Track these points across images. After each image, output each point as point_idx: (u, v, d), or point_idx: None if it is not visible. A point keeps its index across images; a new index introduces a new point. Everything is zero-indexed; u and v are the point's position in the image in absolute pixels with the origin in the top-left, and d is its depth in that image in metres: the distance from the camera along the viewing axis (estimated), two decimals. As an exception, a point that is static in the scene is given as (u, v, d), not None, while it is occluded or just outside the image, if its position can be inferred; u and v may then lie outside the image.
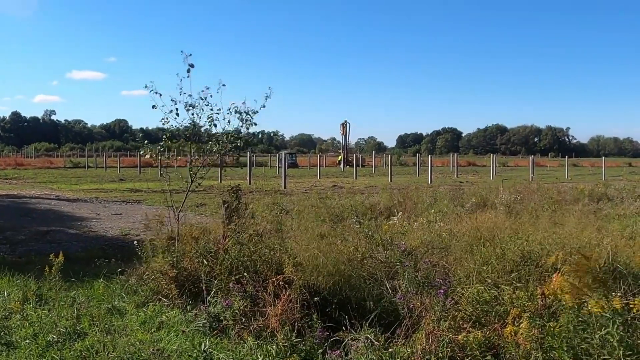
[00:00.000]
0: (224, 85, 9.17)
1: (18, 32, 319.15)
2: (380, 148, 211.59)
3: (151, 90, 9.13)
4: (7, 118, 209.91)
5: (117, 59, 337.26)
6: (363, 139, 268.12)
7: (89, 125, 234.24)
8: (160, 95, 9.16)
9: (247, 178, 38.11)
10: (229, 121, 9.45)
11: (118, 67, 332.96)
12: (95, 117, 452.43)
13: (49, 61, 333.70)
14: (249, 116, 9.42)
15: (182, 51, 9.12)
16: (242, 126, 9.51)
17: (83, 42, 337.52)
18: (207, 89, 9.21)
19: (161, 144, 9.58)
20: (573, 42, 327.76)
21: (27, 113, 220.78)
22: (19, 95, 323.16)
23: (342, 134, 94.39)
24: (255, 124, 9.62)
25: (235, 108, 9.40)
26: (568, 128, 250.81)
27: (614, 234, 9.41)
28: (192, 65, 9.09)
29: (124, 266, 9.86)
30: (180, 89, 9.11)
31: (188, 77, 9.09)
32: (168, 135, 9.44)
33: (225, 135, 9.56)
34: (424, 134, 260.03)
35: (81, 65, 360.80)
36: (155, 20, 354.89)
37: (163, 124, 9.39)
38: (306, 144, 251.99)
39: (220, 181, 34.14)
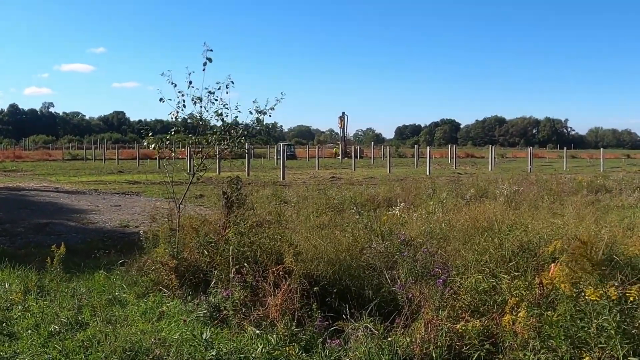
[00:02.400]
0: (232, 82, 9.31)
1: (5, 24, 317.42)
2: (378, 139, 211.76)
3: (167, 80, 9.21)
4: (5, 110, 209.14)
5: (106, 49, 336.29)
6: (361, 130, 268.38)
7: (87, 117, 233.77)
8: (175, 85, 9.23)
9: (246, 170, 38.11)
10: (236, 116, 9.58)
11: (107, 58, 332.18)
12: (86, 109, 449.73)
13: (38, 54, 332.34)
14: (263, 114, 9.66)
15: (204, 43, 9.22)
16: (255, 124, 9.73)
17: (71, 33, 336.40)
18: (218, 83, 9.32)
19: (167, 136, 9.64)
20: (571, 34, 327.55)
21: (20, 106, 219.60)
22: (12, 89, 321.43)
23: (340, 126, 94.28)
24: (272, 124, 9.86)
25: (257, 108, 9.66)
26: (566, 119, 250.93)
27: (612, 225, 9.45)
28: (209, 59, 9.19)
29: (123, 257, 9.90)
30: (190, 82, 9.19)
31: (204, 70, 9.19)
32: (176, 129, 9.52)
33: (234, 129, 9.69)
34: (423, 125, 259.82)
35: (70, 57, 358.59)
36: (145, 10, 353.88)
37: (174, 118, 9.47)
38: (304, 135, 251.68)
39: (219, 173, 34.12)
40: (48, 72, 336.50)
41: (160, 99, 9.30)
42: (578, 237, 5.89)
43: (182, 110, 9.43)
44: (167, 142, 9.75)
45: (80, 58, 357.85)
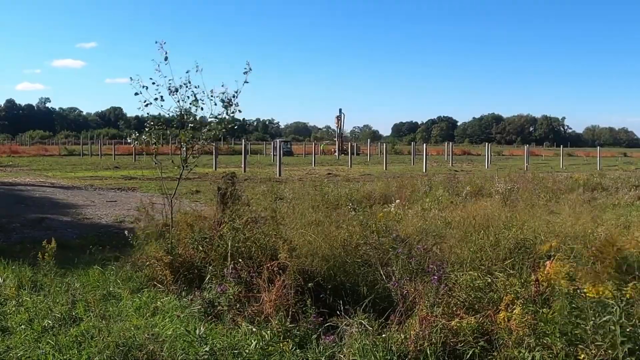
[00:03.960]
0: (198, 67, 9.29)
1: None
2: (375, 136, 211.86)
3: (137, 82, 9.22)
4: (2, 106, 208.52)
5: (98, 43, 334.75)
6: (358, 127, 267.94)
7: (84, 113, 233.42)
8: (147, 88, 9.22)
9: (242, 166, 38.10)
10: (215, 104, 9.51)
11: (99, 53, 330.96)
12: (78, 105, 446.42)
13: (27, 49, 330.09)
14: (230, 102, 9.48)
15: (156, 41, 9.25)
16: (225, 112, 9.59)
17: (60, 28, 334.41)
18: (187, 72, 9.28)
19: (146, 129, 9.60)
20: (569, 32, 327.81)
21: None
22: (6, 84, 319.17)
23: (337, 126, 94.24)
24: (240, 111, 9.69)
25: (222, 97, 9.49)
26: (563, 118, 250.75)
27: (608, 223, 9.46)
28: (166, 57, 9.20)
29: (118, 253, 9.88)
30: (159, 72, 9.18)
31: (166, 64, 9.18)
32: (152, 122, 9.48)
33: (215, 121, 9.64)
34: (420, 122, 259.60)
35: (61, 53, 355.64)
36: (136, 2, 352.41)
37: (145, 105, 9.40)
38: (301, 132, 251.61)
39: (215, 169, 34.14)
40: (39, 68, 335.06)
41: (136, 93, 9.27)
42: (608, 239, 5.87)
43: (161, 106, 9.42)
44: (147, 136, 9.69)
45: (71, 53, 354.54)
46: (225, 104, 9.46)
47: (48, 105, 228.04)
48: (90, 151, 78.01)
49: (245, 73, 9.42)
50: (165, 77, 9.23)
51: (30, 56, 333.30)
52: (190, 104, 9.46)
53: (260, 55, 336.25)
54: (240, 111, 9.62)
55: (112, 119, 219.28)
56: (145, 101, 9.34)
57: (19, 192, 24.42)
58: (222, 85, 9.54)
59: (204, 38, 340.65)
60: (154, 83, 9.23)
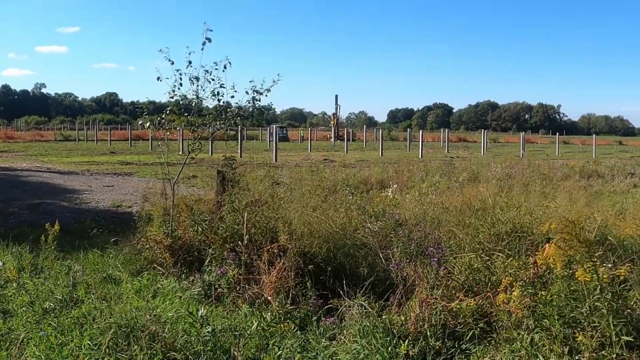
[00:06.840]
0: (229, 62, 9.32)
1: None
2: (371, 123, 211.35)
3: (164, 57, 9.27)
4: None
5: (81, 28, 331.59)
6: (354, 113, 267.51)
7: (79, 98, 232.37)
8: (173, 63, 9.24)
9: (239, 151, 38.07)
10: (232, 96, 9.59)
11: (82, 38, 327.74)
12: (66, 90, 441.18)
13: (12, 34, 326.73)
14: (259, 94, 9.66)
15: (204, 22, 9.25)
16: (250, 104, 9.74)
17: (41, 12, 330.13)
18: (215, 63, 9.31)
19: (163, 116, 9.62)
20: (565, 20, 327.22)
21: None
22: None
23: (333, 122, 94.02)
24: (269, 107, 9.84)
25: (254, 87, 9.66)
26: (559, 105, 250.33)
27: (604, 209, 9.50)
28: (209, 39, 9.23)
29: (117, 237, 9.91)
30: (189, 62, 9.19)
31: (202, 49, 9.22)
32: (171, 108, 9.52)
33: (229, 110, 9.73)
34: (415, 109, 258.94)
35: (44, 38, 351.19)
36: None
37: (172, 97, 9.45)
38: (297, 117, 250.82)
39: (212, 154, 34.11)
40: (23, 53, 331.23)
41: (158, 78, 9.28)
42: (565, 217, 5.93)
43: (179, 89, 9.43)
44: (163, 122, 9.73)
45: (55, 38, 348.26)
46: (256, 98, 9.65)
47: (43, 90, 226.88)
48: (86, 136, 77.95)
49: (274, 81, 9.74)
50: (192, 65, 9.28)
51: (13, 41, 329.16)
52: (209, 94, 9.53)
53: (255, 43, 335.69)
54: (270, 106, 9.86)
55: (108, 105, 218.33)
56: (169, 92, 9.43)
57: (16, 177, 24.43)
58: (251, 81, 9.73)
59: (194, 23, 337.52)
60: (177, 70, 9.29)
